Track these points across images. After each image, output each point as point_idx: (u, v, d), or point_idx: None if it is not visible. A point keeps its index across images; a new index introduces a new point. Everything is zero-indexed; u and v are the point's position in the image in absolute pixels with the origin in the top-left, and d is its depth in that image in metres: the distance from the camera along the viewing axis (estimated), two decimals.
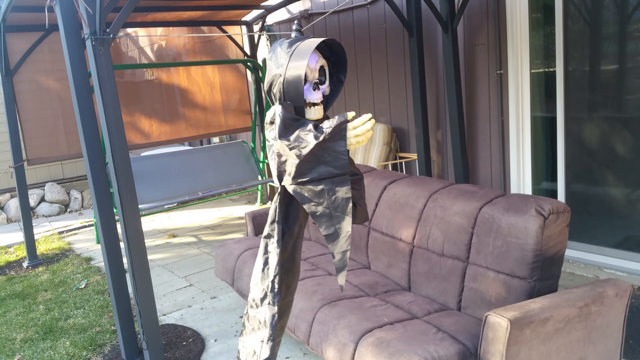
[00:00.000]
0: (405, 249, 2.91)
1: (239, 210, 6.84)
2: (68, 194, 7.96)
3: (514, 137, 4.14)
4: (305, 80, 1.70)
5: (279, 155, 1.67)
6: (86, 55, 2.81)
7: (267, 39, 6.46)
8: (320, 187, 1.62)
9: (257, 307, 1.84)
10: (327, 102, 1.87)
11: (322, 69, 1.78)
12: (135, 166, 5.32)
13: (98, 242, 5.78)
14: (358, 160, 5.32)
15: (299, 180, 1.64)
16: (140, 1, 3.36)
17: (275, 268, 1.78)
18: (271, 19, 6.39)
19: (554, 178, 4.02)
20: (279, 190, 1.77)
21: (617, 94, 3.68)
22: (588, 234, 3.92)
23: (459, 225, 2.60)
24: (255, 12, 6.22)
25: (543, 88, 4.04)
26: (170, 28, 6.35)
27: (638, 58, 3.45)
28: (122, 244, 2.95)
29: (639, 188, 3.57)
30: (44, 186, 7.80)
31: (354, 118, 1.59)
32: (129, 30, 6.32)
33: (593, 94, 3.81)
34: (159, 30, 6.42)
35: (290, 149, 1.62)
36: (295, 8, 5.95)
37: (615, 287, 2.23)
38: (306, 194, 1.64)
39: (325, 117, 1.79)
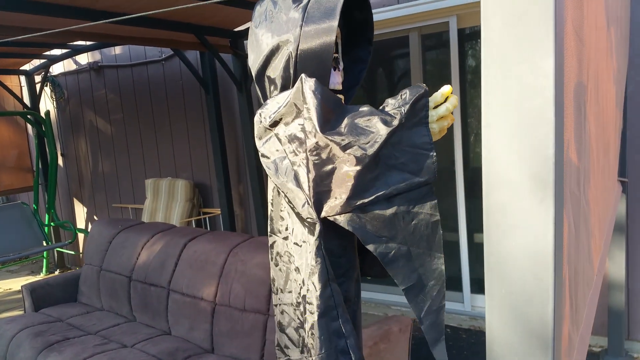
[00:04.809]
0: (207, 308, 2.81)
1: (19, 283, 5.89)
2: None
3: None
4: None
5: (321, 164, 1.02)
6: None
7: (51, 90, 5.90)
8: (391, 210, 1.00)
9: None
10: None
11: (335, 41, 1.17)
12: None
13: None
14: (160, 218, 5.07)
15: (359, 203, 1.01)
16: None
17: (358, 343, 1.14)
18: (56, 69, 5.88)
19: None
20: (315, 231, 1.08)
21: None
22: None
23: (259, 278, 2.62)
24: (37, 62, 5.65)
25: None
26: None
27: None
28: None
29: None
30: None
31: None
32: None
33: None
34: None
35: (344, 147, 0.98)
36: (84, 59, 5.58)
37: (399, 323, 2.46)
38: (369, 226, 1.02)
39: None
